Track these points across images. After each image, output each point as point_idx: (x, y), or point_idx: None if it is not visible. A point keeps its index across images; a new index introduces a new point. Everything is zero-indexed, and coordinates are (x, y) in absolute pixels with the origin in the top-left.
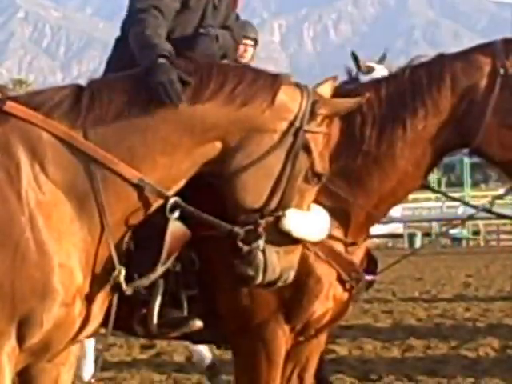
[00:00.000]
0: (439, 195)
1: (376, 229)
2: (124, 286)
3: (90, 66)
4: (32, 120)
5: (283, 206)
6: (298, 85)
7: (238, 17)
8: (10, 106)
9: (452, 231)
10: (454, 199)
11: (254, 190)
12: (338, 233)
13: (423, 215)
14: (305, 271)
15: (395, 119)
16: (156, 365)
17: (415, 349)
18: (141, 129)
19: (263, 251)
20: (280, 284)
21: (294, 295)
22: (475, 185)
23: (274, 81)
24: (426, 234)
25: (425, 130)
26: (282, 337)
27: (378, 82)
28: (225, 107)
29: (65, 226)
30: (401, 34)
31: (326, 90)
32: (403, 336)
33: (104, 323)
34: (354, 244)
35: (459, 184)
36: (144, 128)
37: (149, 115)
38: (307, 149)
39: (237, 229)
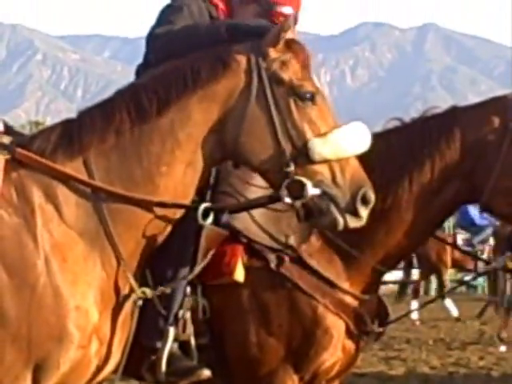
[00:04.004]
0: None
1: (391, 274)
2: (149, 294)
3: None
4: (39, 167)
5: (300, 143)
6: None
7: None
8: (20, 153)
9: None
10: (466, 253)
11: (259, 146)
12: (347, 285)
13: None
14: (313, 322)
15: (402, 171)
16: None
17: None
18: (137, 153)
19: (321, 193)
20: (372, 204)
21: (302, 345)
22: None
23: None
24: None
25: (431, 184)
26: None
27: (388, 133)
28: (188, 96)
29: (79, 267)
30: (418, 79)
31: None
32: None
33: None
34: (362, 297)
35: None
36: (138, 153)
37: (134, 138)
38: (278, 80)
39: (276, 193)
